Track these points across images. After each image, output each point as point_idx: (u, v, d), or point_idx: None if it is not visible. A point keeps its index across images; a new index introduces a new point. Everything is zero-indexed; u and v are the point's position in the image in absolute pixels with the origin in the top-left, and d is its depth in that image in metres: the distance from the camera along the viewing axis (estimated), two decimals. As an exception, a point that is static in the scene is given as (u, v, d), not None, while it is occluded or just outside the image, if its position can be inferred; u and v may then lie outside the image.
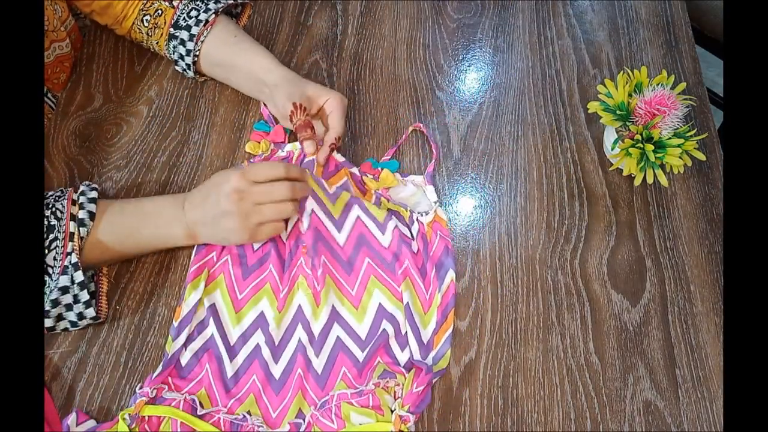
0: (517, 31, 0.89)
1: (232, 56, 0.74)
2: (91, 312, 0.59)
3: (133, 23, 0.76)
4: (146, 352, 0.61)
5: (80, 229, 0.58)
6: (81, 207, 0.60)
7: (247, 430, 0.56)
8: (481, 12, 0.90)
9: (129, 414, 0.55)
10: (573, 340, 0.65)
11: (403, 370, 0.59)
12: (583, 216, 0.73)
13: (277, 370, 0.60)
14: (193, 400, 0.57)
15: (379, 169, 0.72)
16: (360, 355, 0.61)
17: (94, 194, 0.61)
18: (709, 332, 0.66)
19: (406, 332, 0.62)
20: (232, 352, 0.60)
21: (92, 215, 0.60)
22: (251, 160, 0.72)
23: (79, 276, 0.57)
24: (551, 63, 0.85)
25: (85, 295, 0.58)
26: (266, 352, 0.61)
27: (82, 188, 0.62)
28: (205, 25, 0.73)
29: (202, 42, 0.73)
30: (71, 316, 0.58)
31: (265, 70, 0.72)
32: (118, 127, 0.76)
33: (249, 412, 0.58)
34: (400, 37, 0.87)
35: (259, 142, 0.74)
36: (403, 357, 0.61)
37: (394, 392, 0.58)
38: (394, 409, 0.57)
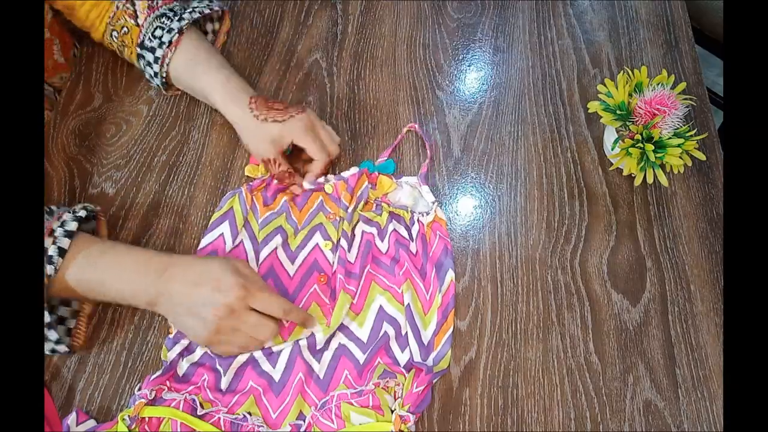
0: (517, 30, 0.89)
1: (192, 82, 0.71)
2: (62, 348, 0.57)
3: (104, 35, 0.74)
4: (146, 352, 0.61)
5: (47, 266, 0.53)
6: (54, 241, 0.54)
7: (248, 430, 0.56)
8: (481, 12, 0.90)
9: (129, 415, 0.55)
10: (573, 339, 0.65)
11: (403, 370, 0.59)
12: (583, 216, 0.73)
13: (276, 373, 0.60)
14: (193, 400, 0.57)
15: (376, 173, 0.71)
16: (361, 357, 0.61)
17: (72, 226, 0.56)
18: (709, 332, 0.66)
19: (406, 333, 0.62)
20: (228, 367, 0.60)
21: (62, 252, 0.54)
22: (250, 184, 0.69)
23: (45, 317, 0.54)
24: (551, 63, 0.85)
25: (53, 334, 0.56)
26: (265, 364, 0.60)
27: (64, 217, 0.57)
28: (168, 47, 0.69)
29: (168, 65, 0.70)
30: (46, 349, 0.57)
31: (220, 104, 0.69)
32: (118, 126, 0.75)
33: (249, 413, 0.58)
34: (400, 37, 0.87)
35: (258, 165, 0.71)
36: (403, 357, 0.61)
37: (394, 392, 0.58)
38: (395, 409, 0.57)
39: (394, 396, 0.58)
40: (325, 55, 0.84)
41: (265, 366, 0.60)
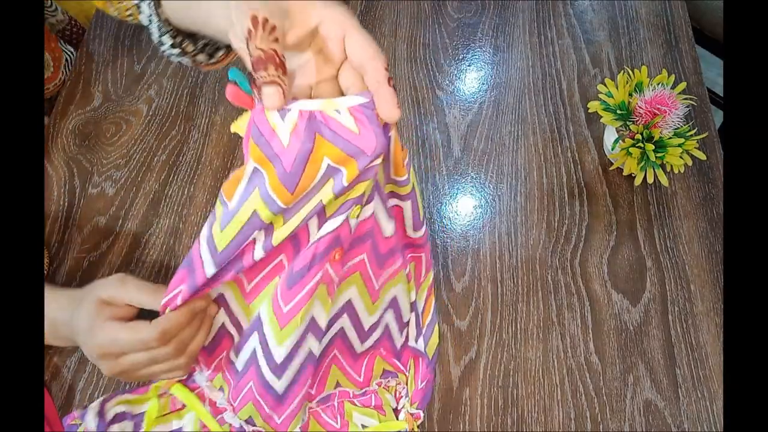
0: (517, 30, 0.89)
1: None
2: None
3: None
4: (146, 351, 0.61)
5: None
6: None
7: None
8: (481, 11, 0.90)
9: (160, 385, 0.56)
10: (573, 339, 0.65)
11: (402, 366, 0.59)
12: (584, 215, 0.73)
13: (282, 384, 0.55)
14: (210, 387, 0.57)
15: None
16: (357, 345, 0.59)
17: None
18: (710, 332, 0.66)
19: (408, 320, 0.60)
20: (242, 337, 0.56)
21: None
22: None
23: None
24: (551, 62, 0.85)
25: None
26: (268, 374, 0.55)
27: None
28: None
29: None
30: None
31: None
32: (118, 126, 0.75)
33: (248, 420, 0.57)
34: (400, 37, 0.87)
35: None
36: (401, 340, 0.60)
37: (395, 391, 0.58)
38: (402, 407, 0.57)
39: (395, 395, 0.58)
40: (325, 55, 0.84)
41: (269, 376, 0.54)
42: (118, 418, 0.56)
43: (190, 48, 0.53)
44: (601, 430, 0.60)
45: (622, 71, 0.73)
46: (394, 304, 0.60)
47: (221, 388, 0.57)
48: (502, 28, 0.89)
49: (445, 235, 0.70)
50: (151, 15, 0.50)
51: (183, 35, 0.52)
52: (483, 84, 0.83)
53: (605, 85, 0.72)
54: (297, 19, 0.39)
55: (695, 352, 0.65)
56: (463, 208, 0.73)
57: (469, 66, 0.85)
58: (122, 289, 0.48)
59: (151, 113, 0.77)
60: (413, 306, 0.60)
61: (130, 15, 0.56)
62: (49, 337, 0.54)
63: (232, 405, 0.56)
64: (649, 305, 0.67)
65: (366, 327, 0.59)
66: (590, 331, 0.65)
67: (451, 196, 0.73)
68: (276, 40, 0.38)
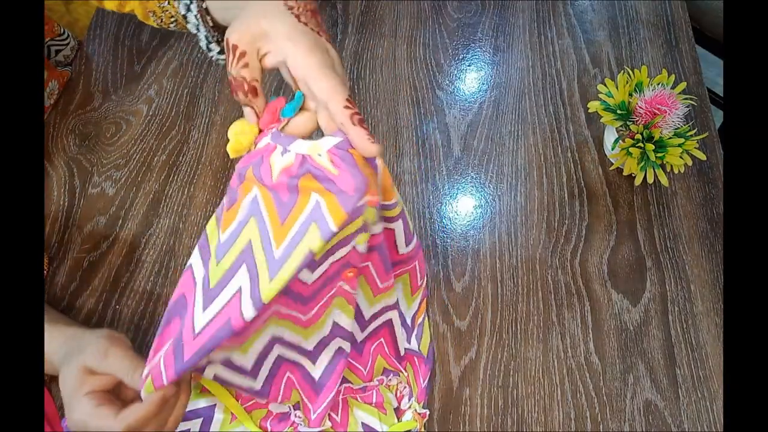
0: (517, 30, 0.89)
1: None
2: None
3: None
4: (146, 351, 0.61)
5: None
6: None
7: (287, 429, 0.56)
8: (481, 11, 0.90)
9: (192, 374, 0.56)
10: (573, 339, 0.65)
11: (399, 366, 0.59)
12: (584, 215, 0.73)
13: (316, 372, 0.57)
14: None
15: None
16: (358, 334, 0.59)
17: None
18: (710, 332, 0.66)
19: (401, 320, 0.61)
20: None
21: None
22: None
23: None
24: (551, 62, 0.85)
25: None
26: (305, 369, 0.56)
27: None
28: None
29: None
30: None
31: None
32: (118, 126, 0.75)
33: (296, 406, 0.57)
34: (400, 37, 0.87)
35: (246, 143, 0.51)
36: (402, 338, 0.60)
37: (396, 390, 0.59)
38: (408, 407, 0.57)
39: (396, 394, 0.58)
40: (325, 55, 0.84)
41: (308, 366, 0.56)
42: None
43: None
44: (601, 430, 0.60)
45: (622, 71, 0.73)
46: (394, 304, 0.60)
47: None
48: (502, 28, 0.89)
49: (445, 235, 0.70)
50: (198, 24, 0.51)
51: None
52: (483, 84, 0.83)
53: (605, 85, 0.72)
54: (271, 46, 0.40)
55: (695, 352, 0.65)
56: (463, 208, 0.73)
57: (469, 66, 0.85)
58: (104, 362, 0.47)
59: (151, 113, 0.77)
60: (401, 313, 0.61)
61: (174, 22, 0.56)
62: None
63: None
64: (649, 305, 0.67)
65: (366, 317, 0.59)
66: (590, 331, 0.65)
67: (451, 196, 0.73)
68: (246, 65, 0.40)
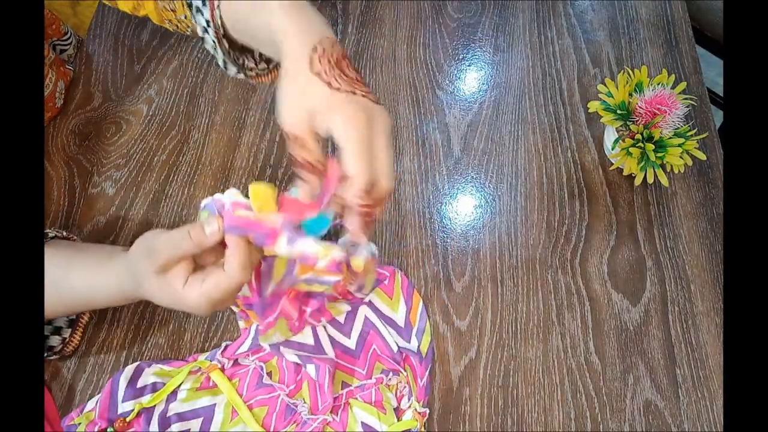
0: (518, 30, 0.89)
1: (250, 14, 0.48)
2: (53, 357, 0.58)
3: (157, 4, 0.58)
4: (146, 351, 0.61)
5: None
6: None
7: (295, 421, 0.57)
8: (481, 11, 0.90)
9: (201, 366, 0.58)
10: (573, 339, 0.65)
11: (398, 366, 0.59)
12: (584, 215, 0.73)
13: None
14: (261, 368, 0.58)
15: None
16: (346, 342, 0.62)
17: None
18: (710, 332, 0.66)
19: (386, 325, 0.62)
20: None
21: None
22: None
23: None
24: (551, 62, 0.85)
25: (53, 340, 0.57)
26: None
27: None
28: None
29: (218, 7, 0.49)
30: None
31: (281, 32, 0.45)
32: (118, 126, 0.75)
33: (304, 400, 0.58)
34: (400, 37, 0.87)
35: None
36: (393, 343, 0.61)
37: (396, 389, 0.59)
38: (407, 407, 0.57)
39: (396, 393, 0.58)
40: (325, 55, 0.84)
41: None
42: (149, 388, 0.57)
43: (250, 65, 0.56)
44: (601, 430, 0.60)
45: (622, 71, 0.73)
46: (374, 308, 0.63)
47: (270, 373, 0.59)
48: (502, 28, 0.89)
49: (445, 235, 0.70)
50: (215, 47, 0.52)
51: (244, 55, 0.55)
52: (483, 84, 0.83)
53: (605, 85, 0.72)
54: (317, 122, 0.42)
55: (695, 352, 0.65)
56: (463, 208, 0.73)
57: (469, 66, 0.85)
58: (159, 257, 0.45)
59: (151, 113, 0.77)
60: (380, 315, 0.63)
61: (190, 30, 0.58)
62: (115, 299, 0.52)
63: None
64: (649, 305, 0.67)
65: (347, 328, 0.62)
66: (590, 331, 0.65)
67: (451, 196, 0.73)
68: (304, 147, 0.42)
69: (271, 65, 0.57)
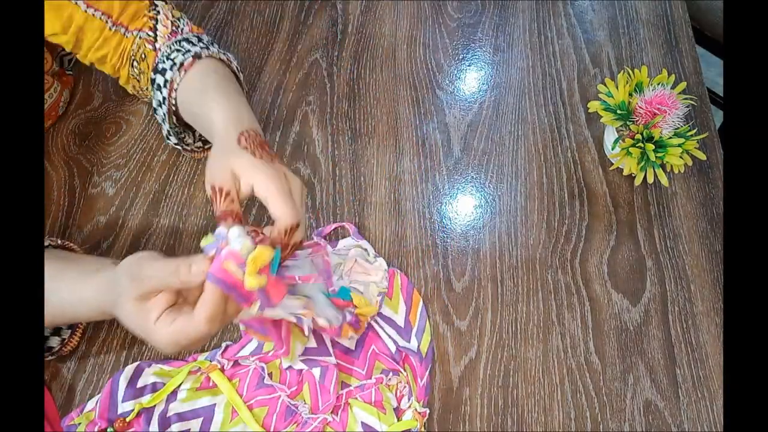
0: (518, 30, 0.89)
1: (196, 106, 0.58)
2: (50, 357, 0.58)
3: (129, 74, 0.66)
4: (146, 351, 0.61)
5: None
6: None
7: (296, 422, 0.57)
8: (481, 11, 0.90)
9: (200, 366, 0.58)
10: (573, 339, 0.65)
11: (398, 366, 0.59)
12: (584, 215, 0.73)
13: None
14: (262, 369, 0.58)
15: (348, 301, 0.57)
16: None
17: None
18: (710, 332, 0.66)
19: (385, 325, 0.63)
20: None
21: None
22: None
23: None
24: (551, 62, 0.85)
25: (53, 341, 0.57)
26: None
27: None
28: (180, 69, 0.59)
29: (175, 90, 0.60)
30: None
31: (219, 124, 0.55)
32: (118, 125, 0.75)
33: (304, 401, 0.58)
34: (400, 37, 0.87)
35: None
36: (392, 345, 0.62)
37: (396, 389, 0.59)
38: (407, 407, 0.57)
39: (396, 393, 0.58)
40: (325, 55, 0.84)
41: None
42: (149, 388, 0.57)
43: (189, 141, 0.69)
44: (601, 430, 0.60)
45: (622, 71, 0.73)
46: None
47: (271, 374, 0.59)
48: (502, 28, 0.89)
49: (445, 235, 0.70)
50: (164, 119, 0.63)
51: (186, 132, 0.68)
52: (483, 84, 0.83)
53: (605, 85, 0.72)
54: (243, 180, 0.50)
55: (695, 352, 0.65)
56: (463, 208, 0.73)
57: (469, 66, 0.85)
58: (143, 284, 0.45)
59: (151, 113, 0.76)
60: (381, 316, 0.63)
61: (147, 98, 0.70)
62: (90, 316, 0.53)
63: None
64: (649, 305, 0.67)
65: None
66: (590, 331, 0.65)
67: (451, 196, 0.73)
68: (232, 200, 0.49)
69: (206, 146, 0.69)
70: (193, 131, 0.68)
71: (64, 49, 0.75)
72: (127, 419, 0.55)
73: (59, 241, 0.59)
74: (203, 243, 0.46)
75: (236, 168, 0.50)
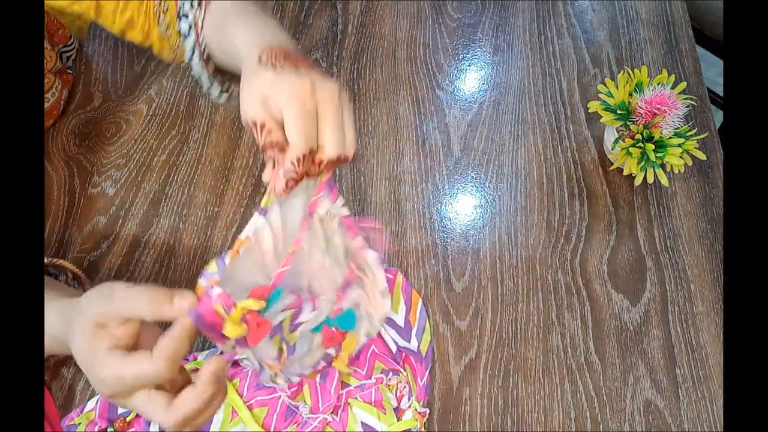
0: (518, 30, 0.89)
1: (223, 35, 0.53)
2: None
3: (159, 32, 0.62)
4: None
5: None
6: None
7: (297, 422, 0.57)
8: (481, 11, 0.90)
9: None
10: (573, 339, 0.65)
11: (398, 366, 0.59)
12: (584, 215, 0.73)
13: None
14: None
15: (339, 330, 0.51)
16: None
17: None
18: (710, 332, 0.66)
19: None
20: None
21: None
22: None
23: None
24: (551, 62, 0.85)
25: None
26: None
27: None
28: (200, 4, 0.55)
29: (202, 30, 0.55)
30: None
31: (243, 47, 0.50)
32: (118, 125, 0.75)
33: (305, 402, 0.58)
34: (400, 37, 0.87)
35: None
36: (393, 344, 0.61)
37: (396, 389, 0.59)
38: (407, 407, 0.57)
39: (396, 393, 0.58)
40: (325, 55, 0.84)
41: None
42: None
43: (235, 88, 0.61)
44: (601, 430, 0.60)
45: (622, 71, 0.73)
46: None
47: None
48: (502, 28, 0.89)
49: (445, 235, 0.70)
50: (201, 72, 0.58)
51: (228, 80, 0.61)
52: (483, 84, 0.83)
53: (605, 85, 0.72)
54: (271, 103, 0.44)
55: (695, 352, 0.65)
56: (463, 208, 0.73)
57: (469, 66, 0.85)
58: (110, 305, 0.40)
59: (151, 113, 0.77)
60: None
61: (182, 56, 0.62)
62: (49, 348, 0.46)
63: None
64: (649, 305, 0.67)
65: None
66: (590, 331, 0.65)
67: (451, 196, 0.73)
68: (269, 131, 0.44)
69: None
70: (234, 77, 0.59)
71: (64, 45, 0.75)
72: (127, 419, 0.55)
73: (48, 260, 0.55)
74: (208, 269, 0.41)
75: (263, 90, 0.44)
